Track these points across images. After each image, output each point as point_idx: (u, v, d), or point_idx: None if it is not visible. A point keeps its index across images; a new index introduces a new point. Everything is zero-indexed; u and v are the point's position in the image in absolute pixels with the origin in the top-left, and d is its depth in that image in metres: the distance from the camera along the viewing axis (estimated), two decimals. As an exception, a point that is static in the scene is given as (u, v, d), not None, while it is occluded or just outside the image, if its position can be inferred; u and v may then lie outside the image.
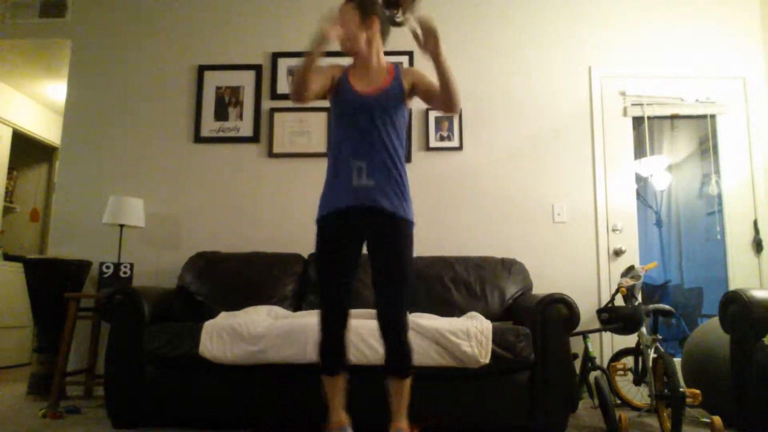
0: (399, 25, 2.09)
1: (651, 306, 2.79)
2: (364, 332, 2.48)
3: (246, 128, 3.76)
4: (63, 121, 3.83)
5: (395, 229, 1.97)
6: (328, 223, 2.03)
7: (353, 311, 2.13)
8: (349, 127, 2.02)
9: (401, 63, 3.71)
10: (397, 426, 1.99)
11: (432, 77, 2.01)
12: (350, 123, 2.01)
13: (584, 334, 3.10)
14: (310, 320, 2.60)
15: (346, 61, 2.17)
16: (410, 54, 3.75)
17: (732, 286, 3.55)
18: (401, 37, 3.82)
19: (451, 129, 3.71)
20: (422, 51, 1.88)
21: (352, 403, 2.50)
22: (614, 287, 3.51)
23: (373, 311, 1.99)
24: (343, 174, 2.00)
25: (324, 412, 2.51)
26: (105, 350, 2.68)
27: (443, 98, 1.96)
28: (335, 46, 2.02)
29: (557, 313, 2.58)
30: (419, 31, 1.86)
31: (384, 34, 2.11)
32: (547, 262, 3.58)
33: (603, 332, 3.44)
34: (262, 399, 2.55)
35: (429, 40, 1.85)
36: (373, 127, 1.99)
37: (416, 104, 3.33)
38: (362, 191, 1.97)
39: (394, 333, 1.93)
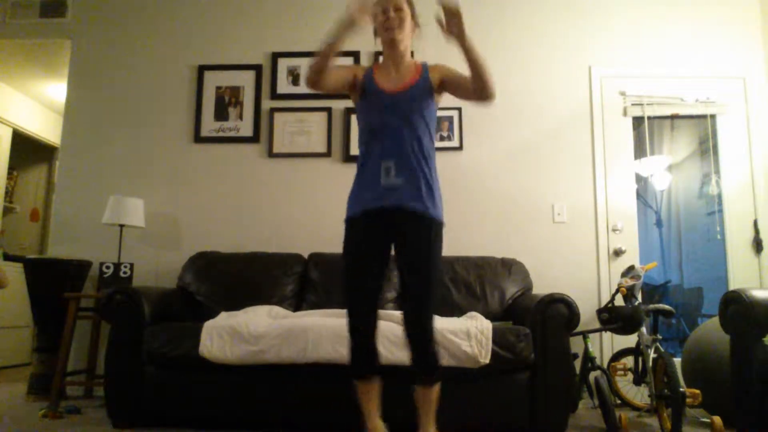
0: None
1: (651, 306, 2.79)
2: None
3: (246, 128, 3.76)
4: (63, 121, 3.83)
5: (424, 230, 1.91)
6: (356, 223, 1.97)
7: None
8: (376, 126, 1.97)
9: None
10: None
11: (461, 68, 1.93)
12: (378, 122, 1.96)
13: (584, 334, 3.10)
14: (310, 320, 2.60)
15: (339, 60, 2.14)
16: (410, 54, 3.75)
17: (732, 286, 3.55)
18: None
19: (451, 129, 3.71)
20: (446, 36, 1.79)
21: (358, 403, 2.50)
22: (614, 287, 3.51)
23: (386, 312, 1.94)
24: (372, 173, 1.95)
25: (324, 412, 2.52)
26: (105, 350, 2.68)
27: (475, 85, 1.86)
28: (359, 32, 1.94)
29: (557, 313, 2.58)
30: (442, 15, 1.76)
31: (414, 31, 2.08)
32: (547, 262, 3.58)
33: (603, 332, 3.44)
34: (262, 399, 2.56)
35: (452, 23, 1.75)
36: (401, 126, 1.94)
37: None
38: (391, 191, 1.91)
39: (422, 340, 1.87)
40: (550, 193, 3.65)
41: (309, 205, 3.68)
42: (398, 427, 2.23)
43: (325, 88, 1.95)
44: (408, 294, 1.90)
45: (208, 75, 3.82)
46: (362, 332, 1.93)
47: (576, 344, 3.34)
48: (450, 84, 2.01)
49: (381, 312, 2.68)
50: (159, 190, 3.73)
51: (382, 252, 1.97)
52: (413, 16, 2.04)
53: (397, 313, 2.63)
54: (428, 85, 2.00)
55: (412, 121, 1.95)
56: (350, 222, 1.99)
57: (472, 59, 1.81)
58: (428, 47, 3.80)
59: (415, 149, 1.94)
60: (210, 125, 3.77)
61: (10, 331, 4.72)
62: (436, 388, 1.93)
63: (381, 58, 2.14)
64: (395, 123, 1.94)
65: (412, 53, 2.12)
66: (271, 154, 3.72)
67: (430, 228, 1.92)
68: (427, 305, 1.87)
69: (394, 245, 1.98)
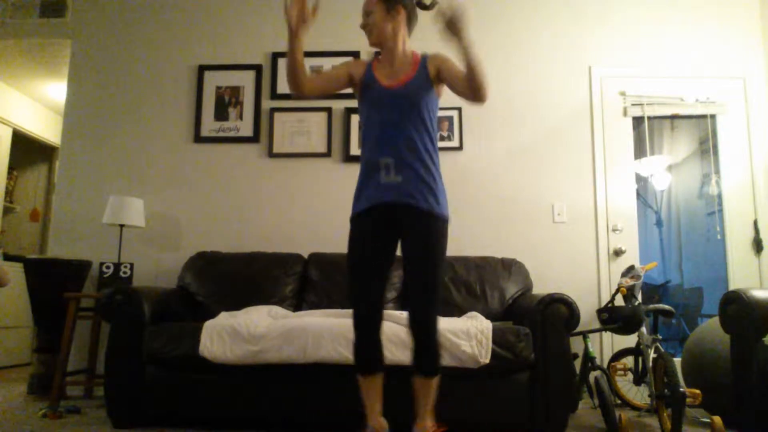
0: (428, 8, 2.01)
1: (651, 306, 2.79)
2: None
3: (246, 128, 3.76)
4: (63, 121, 3.83)
5: (427, 226, 1.91)
6: (360, 221, 1.98)
7: None
8: (376, 122, 1.96)
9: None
10: (422, 425, 1.96)
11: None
12: (377, 118, 1.96)
13: (584, 334, 3.10)
14: (310, 320, 2.60)
15: (340, 59, 2.14)
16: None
17: (732, 286, 3.55)
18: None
19: (451, 129, 3.71)
20: (445, 35, 1.76)
21: (358, 403, 2.50)
22: (614, 287, 3.51)
23: (387, 312, 1.95)
24: (373, 171, 1.95)
25: (324, 412, 2.52)
26: (105, 350, 2.68)
27: (470, 86, 1.84)
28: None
29: (557, 313, 2.58)
30: (445, 13, 1.73)
31: (411, 22, 2.05)
32: (547, 262, 3.58)
33: (603, 332, 3.44)
34: (262, 399, 2.55)
35: (453, 23, 1.72)
36: (400, 121, 1.93)
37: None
38: (391, 189, 1.92)
39: (425, 332, 1.89)
40: (550, 193, 3.65)
41: (309, 205, 3.68)
42: (399, 426, 2.24)
43: (314, 93, 1.96)
44: (413, 289, 1.91)
45: (208, 75, 3.82)
46: (368, 326, 1.93)
47: (576, 344, 3.34)
48: (445, 77, 1.97)
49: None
50: (159, 190, 3.73)
51: (386, 247, 1.98)
52: (390, 9, 1.99)
53: (398, 313, 2.64)
54: (426, 77, 1.97)
55: (411, 117, 1.94)
56: (355, 218, 2.00)
57: (469, 61, 1.78)
58: (429, 35, 3.80)
59: (413, 146, 1.93)
60: (210, 125, 3.77)
61: (10, 331, 4.72)
62: (436, 380, 1.95)
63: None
64: (393, 119, 1.93)
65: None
66: (271, 154, 3.72)
67: (432, 223, 1.91)
68: (431, 300, 1.89)
69: (400, 242, 1.98)
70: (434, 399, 1.97)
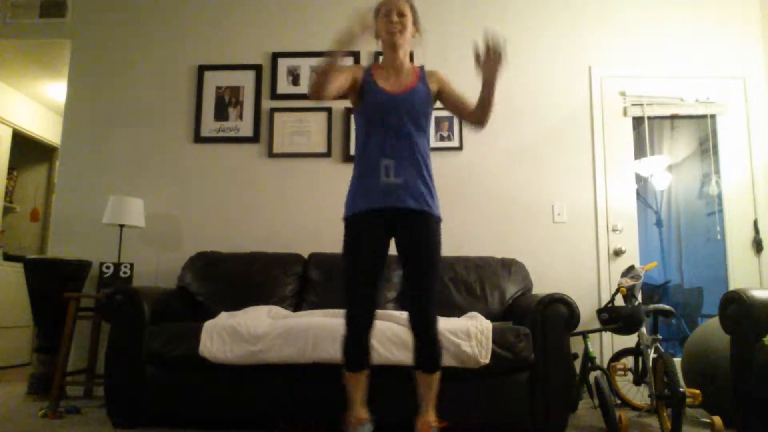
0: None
1: (651, 306, 2.79)
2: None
3: (246, 128, 3.76)
4: (63, 121, 3.83)
5: (424, 226, 2.00)
6: (356, 222, 2.03)
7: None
8: (377, 126, 2.03)
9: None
10: (425, 420, 2.02)
11: (455, 84, 2.08)
12: (379, 122, 2.02)
13: (584, 334, 3.10)
14: (310, 320, 2.60)
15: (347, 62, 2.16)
16: (410, 54, 3.75)
17: (732, 286, 3.55)
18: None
19: (451, 129, 3.71)
20: (479, 70, 1.89)
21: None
22: (614, 287, 3.51)
23: (386, 312, 1.98)
24: (371, 172, 2.01)
25: (324, 412, 2.52)
26: (105, 350, 2.68)
27: (478, 116, 2.03)
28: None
29: (557, 313, 2.58)
30: (482, 48, 1.85)
31: (415, 37, 2.16)
32: (547, 262, 3.58)
33: (603, 332, 3.44)
34: (262, 399, 2.55)
35: (492, 60, 1.84)
36: (401, 126, 2.01)
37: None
38: (391, 190, 1.98)
39: (424, 328, 1.97)
40: (550, 193, 3.65)
41: (309, 205, 3.67)
42: (400, 426, 2.24)
43: (328, 98, 2.00)
44: (411, 287, 1.98)
45: (208, 75, 3.82)
46: (360, 325, 1.99)
47: (576, 344, 3.34)
48: (447, 100, 2.13)
49: (381, 312, 2.70)
50: (159, 190, 3.73)
51: (382, 248, 2.03)
52: (416, 22, 2.12)
53: (398, 313, 2.64)
54: (427, 90, 2.08)
55: (412, 122, 2.02)
56: (351, 219, 2.04)
57: (488, 98, 1.94)
58: (428, 53, 3.81)
59: (414, 149, 2.01)
60: (210, 125, 3.77)
61: (10, 331, 4.72)
62: (437, 375, 2.02)
63: (381, 59, 2.18)
64: (395, 123, 2.00)
65: (411, 58, 2.19)
66: (271, 154, 3.72)
67: (429, 224, 2.01)
68: (429, 297, 1.96)
69: (396, 241, 2.04)
70: (436, 394, 2.04)
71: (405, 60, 2.12)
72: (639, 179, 3.73)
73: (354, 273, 1.99)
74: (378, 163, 1.99)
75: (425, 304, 1.96)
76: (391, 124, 2.00)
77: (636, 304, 2.70)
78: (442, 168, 3.69)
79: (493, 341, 2.51)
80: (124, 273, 3.42)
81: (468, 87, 3.72)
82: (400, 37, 2.05)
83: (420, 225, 1.99)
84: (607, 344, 3.48)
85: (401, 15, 2.05)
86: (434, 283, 1.98)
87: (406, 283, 2.01)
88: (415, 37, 2.14)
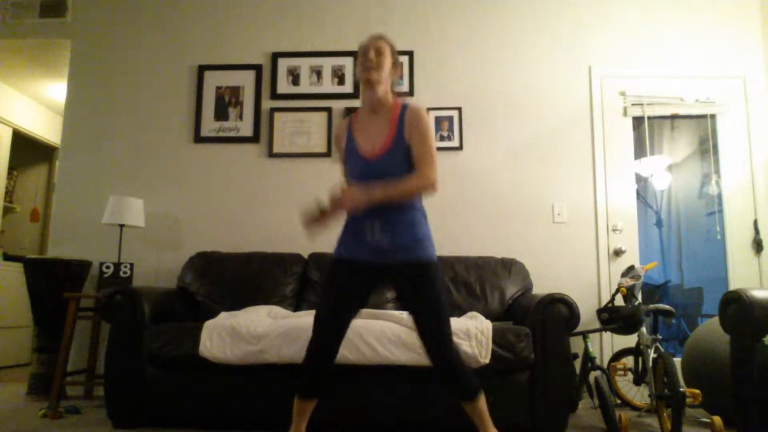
0: None
1: (651, 306, 2.79)
2: (364, 332, 2.49)
3: (246, 128, 3.76)
4: (63, 121, 3.83)
5: (423, 277, 1.92)
6: (342, 266, 1.99)
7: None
8: (359, 185, 1.95)
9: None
10: None
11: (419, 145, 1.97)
12: (360, 182, 1.98)
13: (584, 334, 3.10)
14: (310, 320, 2.60)
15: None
16: (410, 54, 3.76)
17: (732, 286, 3.55)
18: (401, 38, 3.82)
19: (451, 129, 3.71)
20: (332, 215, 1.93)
21: (357, 403, 2.51)
22: (614, 287, 3.51)
23: (386, 312, 1.92)
24: (357, 229, 1.98)
25: (324, 412, 2.52)
26: (105, 350, 2.68)
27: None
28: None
29: (557, 313, 2.58)
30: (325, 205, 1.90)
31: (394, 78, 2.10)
32: (547, 262, 3.58)
33: (603, 332, 3.44)
34: (262, 399, 2.55)
35: (342, 204, 1.85)
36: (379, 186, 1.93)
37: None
38: (378, 248, 1.94)
39: (447, 367, 1.90)
40: (550, 193, 3.65)
41: (309, 205, 3.67)
42: (400, 426, 2.24)
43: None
44: (425, 333, 1.91)
45: (208, 75, 3.82)
46: (320, 360, 1.93)
47: (576, 344, 3.34)
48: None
49: (381, 312, 2.70)
50: (159, 190, 3.73)
51: (363, 296, 1.99)
52: (395, 63, 2.05)
53: (398, 313, 2.64)
54: (403, 145, 1.97)
55: (391, 179, 1.93)
56: (338, 262, 2.01)
57: (394, 197, 1.89)
58: (428, 53, 3.81)
59: (396, 204, 1.94)
60: (210, 125, 3.77)
61: (10, 331, 4.72)
62: (481, 400, 1.95)
63: (361, 99, 2.12)
64: (374, 184, 1.92)
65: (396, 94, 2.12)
66: (271, 154, 3.72)
67: (427, 273, 1.93)
68: (444, 338, 1.90)
69: (396, 292, 1.99)
70: (487, 415, 1.96)
71: (386, 97, 2.04)
72: (639, 179, 3.73)
73: (324, 309, 1.94)
74: (362, 224, 1.96)
75: (442, 346, 1.89)
76: (372, 185, 1.91)
77: (636, 304, 2.70)
78: (442, 168, 3.69)
79: (493, 341, 2.51)
80: (124, 273, 3.42)
81: (467, 85, 3.74)
82: (375, 73, 1.98)
83: (416, 276, 1.92)
84: (607, 344, 3.48)
85: (378, 54, 1.99)
86: (443, 324, 1.90)
87: (415, 323, 1.94)
88: (395, 80, 2.07)
